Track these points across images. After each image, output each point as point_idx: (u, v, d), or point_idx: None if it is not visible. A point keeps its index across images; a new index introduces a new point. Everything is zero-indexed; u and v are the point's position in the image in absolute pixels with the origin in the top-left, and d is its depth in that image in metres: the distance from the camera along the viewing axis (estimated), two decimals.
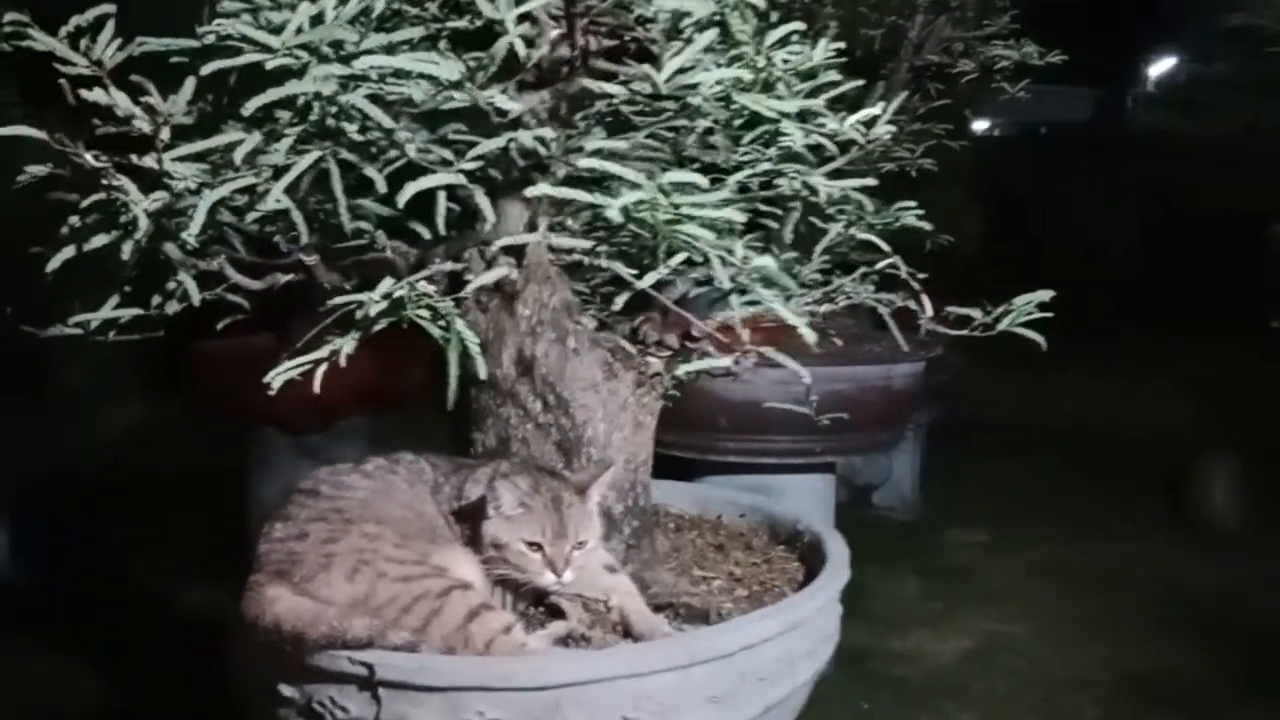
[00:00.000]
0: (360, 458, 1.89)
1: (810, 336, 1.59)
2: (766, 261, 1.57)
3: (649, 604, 1.85)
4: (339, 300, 1.47)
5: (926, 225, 2.01)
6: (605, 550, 1.89)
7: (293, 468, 3.50)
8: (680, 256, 1.53)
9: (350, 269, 1.87)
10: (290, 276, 1.85)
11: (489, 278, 1.72)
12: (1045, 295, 2.10)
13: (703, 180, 1.43)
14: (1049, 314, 1.99)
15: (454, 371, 1.51)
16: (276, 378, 1.46)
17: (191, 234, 1.49)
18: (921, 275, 2.03)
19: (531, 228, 1.79)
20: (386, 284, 1.46)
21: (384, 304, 1.43)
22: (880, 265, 2.05)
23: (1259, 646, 3.69)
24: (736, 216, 1.42)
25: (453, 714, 1.56)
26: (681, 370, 1.82)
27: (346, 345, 1.45)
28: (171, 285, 1.76)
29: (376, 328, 1.47)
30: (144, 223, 1.52)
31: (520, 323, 1.94)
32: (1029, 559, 4.66)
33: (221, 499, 3.81)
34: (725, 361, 1.77)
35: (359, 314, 1.45)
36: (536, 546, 1.75)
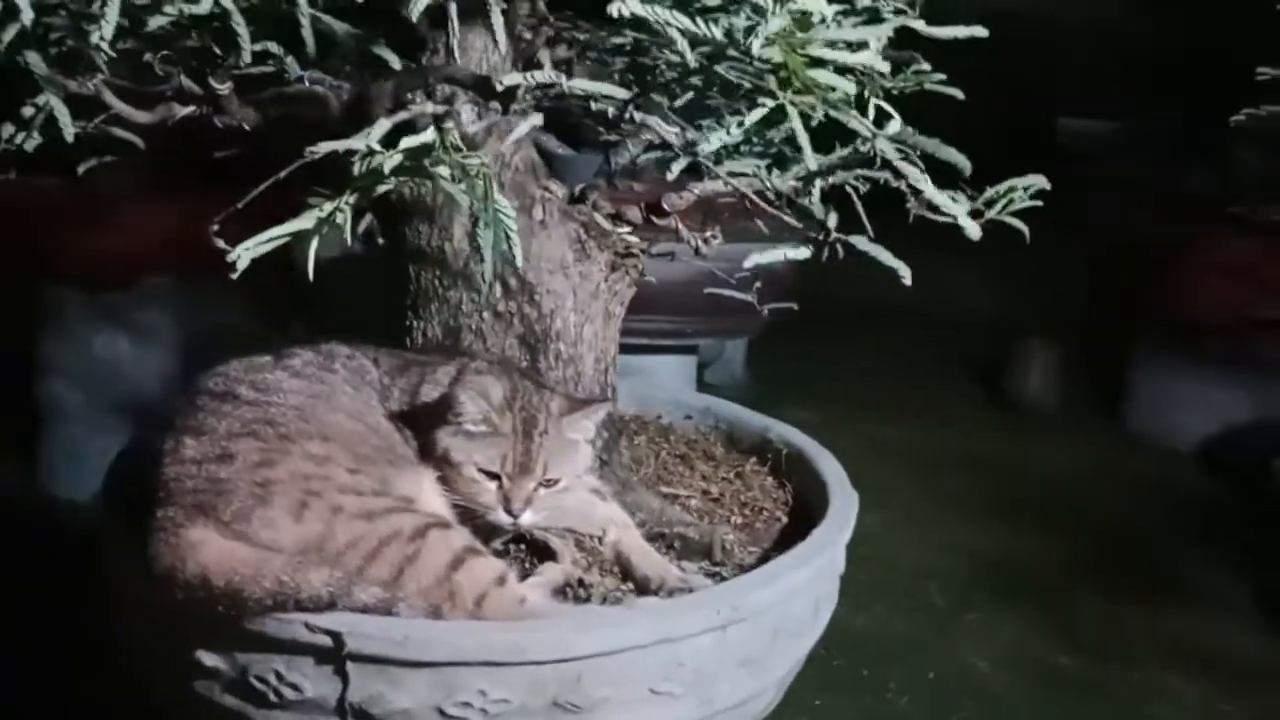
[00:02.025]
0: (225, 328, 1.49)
1: (974, 231, 1.28)
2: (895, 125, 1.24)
3: None
4: (327, 146, 1.04)
5: (958, 93, 1.71)
6: (591, 474, 1.54)
7: (88, 330, 3.09)
8: (758, 113, 1.16)
9: (268, 104, 1.42)
10: (189, 110, 1.39)
11: (521, 129, 1.27)
12: (1041, 181, 1.90)
13: (826, 7, 1.06)
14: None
15: (489, 258, 1.11)
16: (244, 253, 1.03)
17: (105, 36, 1.01)
18: None
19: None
20: (392, 127, 1.04)
21: (398, 157, 1.01)
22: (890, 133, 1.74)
23: (1089, 530, 3.70)
24: (878, 64, 1.08)
25: (444, 695, 1.21)
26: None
27: (339, 213, 1.03)
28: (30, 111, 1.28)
29: (383, 188, 1.05)
30: None
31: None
32: (858, 440, 4.58)
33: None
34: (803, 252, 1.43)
35: (362, 167, 1.03)
36: (493, 476, 1.40)
